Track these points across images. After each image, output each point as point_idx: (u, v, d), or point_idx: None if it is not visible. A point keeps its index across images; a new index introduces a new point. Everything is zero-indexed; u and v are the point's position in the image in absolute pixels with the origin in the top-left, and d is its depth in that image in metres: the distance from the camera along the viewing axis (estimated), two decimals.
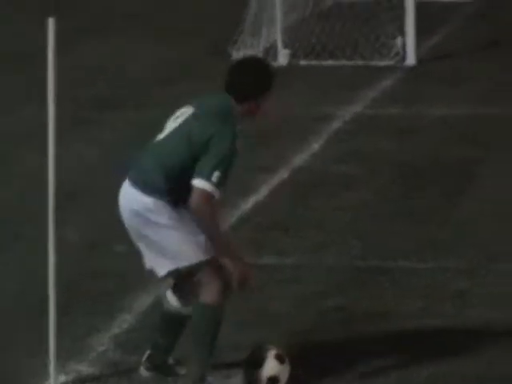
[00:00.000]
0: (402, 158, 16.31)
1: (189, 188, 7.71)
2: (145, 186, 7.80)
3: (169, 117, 8.19)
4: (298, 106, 18.90)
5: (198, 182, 7.54)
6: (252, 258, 10.95)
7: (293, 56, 21.90)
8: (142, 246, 8.07)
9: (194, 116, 7.86)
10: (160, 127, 8.61)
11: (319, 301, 10.73)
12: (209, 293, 7.93)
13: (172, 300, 8.29)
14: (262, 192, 14.73)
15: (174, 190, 7.80)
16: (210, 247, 7.84)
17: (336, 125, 17.83)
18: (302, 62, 21.76)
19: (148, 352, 8.40)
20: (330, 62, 21.37)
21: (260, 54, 21.65)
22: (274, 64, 21.06)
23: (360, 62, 21.43)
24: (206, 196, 7.53)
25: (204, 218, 7.67)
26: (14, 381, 9.20)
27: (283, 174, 15.38)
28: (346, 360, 8.70)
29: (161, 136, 8.09)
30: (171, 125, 8.10)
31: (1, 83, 19.19)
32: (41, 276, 9.36)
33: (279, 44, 22.23)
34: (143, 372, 8.49)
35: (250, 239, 12.58)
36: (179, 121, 8.03)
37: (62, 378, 8.95)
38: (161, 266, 7.96)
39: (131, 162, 8.42)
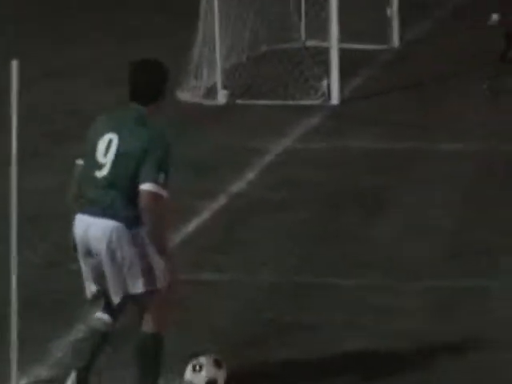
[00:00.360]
0: (329, 186, 16.42)
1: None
2: (110, 213, 7.97)
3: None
4: (235, 139, 18.85)
5: (146, 186, 7.71)
6: (193, 274, 11.83)
7: (230, 96, 21.75)
8: (100, 271, 8.28)
9: (120, 140, 7.95)
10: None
11: (255, 314, 11.00)
12: (159, 321, 8.14)
13: (103, 319, 8.34)
14: (203, 216, 14.88)
15: (133, 209, 7.98)
16: (162, 277, 8.05)
17: (269, 157, 18.11)
18: (239, 101, 21.61)
19: (75, 374, 8.28)
20: (263, 102, 21.18)
21: (202, 95, 22.09)
22: (214, 103, 21.65)
23: (290, 102, 21.33)
24: (155, 197, 7.74)
25: (153, 218, 7.80)
26: None
27: (222, 200, 15.59)
28: (279, 369, 9.11)
29: (102, 164, 8.10)
30: (104, 156, 8.16)
31: None
32: (1, 292, 9.52)
33: (218, 85, 22.14)
34: None
35: (191, 258, 12.65)
36: (112, 155, 8.10)
37: (23, 381, 9.32)
38: (115, 293, 8.12)
39: (88, 199, 8.32)
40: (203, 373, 8.90)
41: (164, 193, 7.92)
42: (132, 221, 7.95)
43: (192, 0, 24.21)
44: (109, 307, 8.40)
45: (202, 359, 8.95)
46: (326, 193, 16.44)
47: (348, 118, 20.82)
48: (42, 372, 10.20)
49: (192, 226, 14.58)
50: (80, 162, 8.49)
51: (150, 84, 8.38)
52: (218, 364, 8.85)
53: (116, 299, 8.14)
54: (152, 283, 8.06)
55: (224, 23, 22.97)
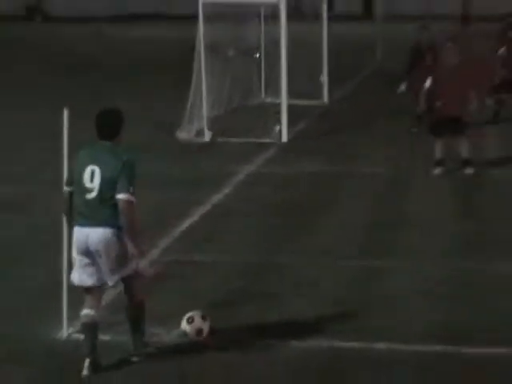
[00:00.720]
0: (281, 198, 18.95)
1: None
2: (100, 222, 9.64)
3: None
4: (216, 165, 21.66)
5: (122, 196, 9.45)
6: (186, 256, 14.68)
7: (213, 135, 24.74)
8: (96, 265, 9.98)
9: (102, 168, 9.63)
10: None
11: (229, 285, 13.34)
12: (141, 294, 10.03)
13: (89, 314, 9.76)
14: (194, 217, 17.27)
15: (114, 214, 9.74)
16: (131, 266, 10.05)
17: (240, 178, 20.74)
18: (219, 139, 24.48)
19: (89, 360, 9.69)
20: (236, 139, 24.17)
21: (194, 134, 24.95)
22: (202, 140, 24.64)
23: (255, 140, 23.81)
24: (130, 202, 9.47)
25: (128, 217, 9.50)
26: (42, 330, 11.64)
27: (207, 207, 18.09)
28: (245, 322, 11.15)
29: (89, 188, 9.68)
30: (93, 179, 9.78)
31: None
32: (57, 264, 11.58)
33: (205, 128, 24.90)
34: (88, 371, 9.78)
35: (186, 246, 15.57)
36: (97, 178, 9.76)
37: (70, 329, 11.20)
38: (111, 278, 9.80)
39: (80, 215, 9.97)
40: (194, 323, 10.87)
41: (134, 199, 9.70)
42: (118, 226, 9.67)
43: (187, 72, 26.21)
44: (91, 302, 9.89)
45: (193, 314, 10.92)
46: (278, 203, 18.74)
47: (293, 151, 23.69)
48: (105, 316, 12.04)
49: (186, 224, 17.12)
50: (67, 188, 10.09)
51: (113, 125, 10.08)
52: (203, 318, 10.78)
53: (112, 281, 9.94)
54: (131, 268, 9.94)
55: (209, 86, 25.56)
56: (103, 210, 9.70)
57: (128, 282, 10.05)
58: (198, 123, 25.97)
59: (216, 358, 10.82)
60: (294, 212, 18.33)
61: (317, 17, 31.99)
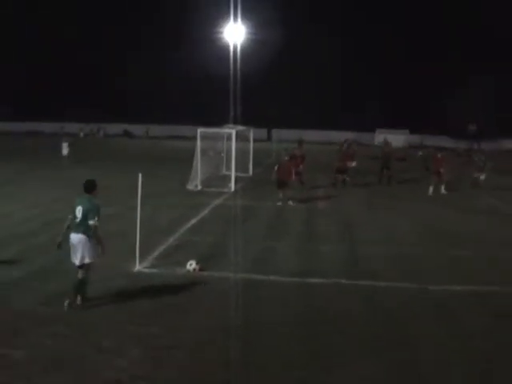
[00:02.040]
0: (230, 214, 21.89)
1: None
2: (81, 232, 11.22)
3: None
4: (203, 199, 24.92)
5: (91, 221, 11.11)
6: (186, 239, 17.45)
7: (202, 187, 28.30)
8: (76, 253, 11.28)
9: (83, 207, 11.27)
10: None
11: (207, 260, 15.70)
12: (87, 272, 11.30)
13: (80, 275, 11.29)
14: (194, 221, 20.31)
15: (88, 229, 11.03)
16: (94, 256, 11.33)
17: (213, 205, 24.03)
18: (205, 189, 28.05)
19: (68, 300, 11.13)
20: (212, 189, 27.86)
21: (193, 187, 28.30)
22: (196, 189, 27.96)
23: (220, 189, 27.58)
24: (95, 225, 11.10)
25: (96, 233, 11.15)
26: (119, 266, 13.95)
27: (198, 218, 21.03)
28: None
29: (77, 217, 11.33)
30: (79, 212, 11.33)
31: None
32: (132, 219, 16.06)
33: (199, 184, 28.47)
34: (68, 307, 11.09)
35: (187, 237, 18.04)
36: (81, 212, 11.30)
37: (140, 266, 13.92)
38: (80, 261, 11.25)
39: (73, 228, 11.43)
40: (193, 265, 13.87)
41: (97, 223, 11.08)
42: (88, 234, 11.19)
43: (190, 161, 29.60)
44: (80, 267, 11.21)
45: (192, 261, 13.93)
46: (228, 216, 21.45)
47: (237, 195, 26.78)
48: (154, 261, 14.84)
49: (189, 224, 19.85)
50: (70, 216, 11.49)
51: (91, 185, 11.70)
52: (197, 262, 13.74)
53: (80, 263, 11.26)
54: (92, 258, 11.40)
55: (201, 167, 29.20)
56: (82, 227, 11.25)
57: (83, 265, 11.33)
58: (195, 182, 28.83)
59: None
60: (235, 219, 20.45)
61: (248, 139, 36.08)
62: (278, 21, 72.84)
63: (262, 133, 73.50)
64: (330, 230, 19.86)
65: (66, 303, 11.01)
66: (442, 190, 29.25)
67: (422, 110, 76.86)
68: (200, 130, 29.12)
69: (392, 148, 34.88)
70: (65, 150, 41.71)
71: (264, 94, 76.89)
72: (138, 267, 13.84)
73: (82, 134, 74.78)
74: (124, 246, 15.36)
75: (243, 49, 52.48)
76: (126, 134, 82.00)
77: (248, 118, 44.36)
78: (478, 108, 70.11)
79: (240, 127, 34.05)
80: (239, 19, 48.58)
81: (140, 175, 13.44)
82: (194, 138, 29.84)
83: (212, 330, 10.29)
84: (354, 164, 31.71)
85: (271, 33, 69.32)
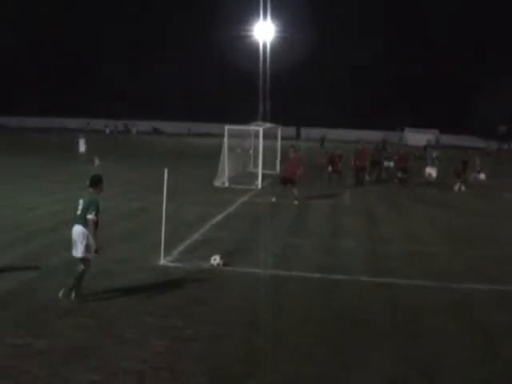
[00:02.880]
0: (258, 211, 22.37)
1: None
2: (81, 225, 11.31)
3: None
4: (229, 197, 25.39)
5: (89, 216, 11.18)
6: (207, 235, 17.67)
7: (229, 184, 28.84)
8: (76, 245, 11.41)
9: (84, 200, 11.44)
10: None
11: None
12: (85, 266, 11.36)
13: (78, 268, 11.38)
14: (219, 217, 20.51)
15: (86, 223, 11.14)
16: (89, 252, 11.28)
17: (240, 202, 24.38)
18: (232, 186, 28.37)
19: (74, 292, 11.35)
20: (239, 186, 28.20)
21: (221, 183, 28.94)
22: (225, 186, 28.52)
23: (247, 187, 27.92)
24: (93, 219, 11.17)
25: (91, 226, 11.15)
26: (144, 259, 14.32)
27: (224, 214, 21.33)
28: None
29: (78, 210, 11.45)
30: (79, 207, 11.49)
31: None
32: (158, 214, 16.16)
33: (226, 181, 29.01)
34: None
35: (210, 231, 18.58)
36: (81, 205, 11.47)
37: (168, 259, 14.22)
38: (78, 254, 11.32)
39: (75, 221, 11.55)
40: (217, 260, 14.02)
41: (95, 218, 11.18)
42: (85, 226, 11.24)
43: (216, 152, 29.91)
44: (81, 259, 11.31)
45: (216, 256, 14.07)
46: (256, 213, 21.83)
47: (263, 192, 26.94)
48: (179, 255, 14.94)
49: (215, 219, 20.14)
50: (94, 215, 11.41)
51: (96, 180, 11.83)
52: (221, 257, 13.91)
53: (78, 256, 11.41)
54: (88, 252, 11.39)
55: (228, 164, 29.66)
56: (81, 219, 11.41)
57: (81, 259, 11.45)
58: (223, 179, 29.40)
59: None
60: (261, 216, 20.79)
61: (276, 137, 36.23)
62: (307, 19, 72.74)
63: (291, 131, 73.66)
64: (353, 228, 19.99)
65: (61, 292, 11.24)
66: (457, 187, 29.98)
67: (452, 110, 76.17)
68: (227, 128, 29.20)
69: (409, 150, 35.55)
70: (82, 147, 41.27)
71: (293, 92, 76.95)
72: (162, 261, 13.94)
73: (107, 131, 75.25)
74: (150, 240, 15.65)
75: (273, 47, 52.26)
76: (156, 131, 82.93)
77: (277, 116, 44.52)
78: (509, 108, 69.58)
79: (268, 125, 34.09)
80: (269, 17, 48.17)
81: (166, 170, 13.51)
82: (222, 135, 29.86)
83: (233, 324, 10.31)
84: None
85: (301, 31, 69.31)
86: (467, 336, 10.36)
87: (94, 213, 11.15)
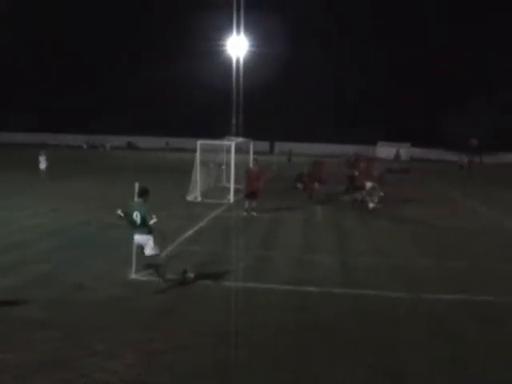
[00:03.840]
0: (228, 224, 22.47)
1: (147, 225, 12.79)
2: (145, 233, 13.05)
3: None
4: (202, 211, 25.33)
5: (152, 222, 12.91)
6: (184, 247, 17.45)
7: (202, 198, 28.70)
8: (145, 248, 13.18)
9: (139, 210, 12.94)
10: None
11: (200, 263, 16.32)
12: (161, 258, 13.18)
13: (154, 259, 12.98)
14: (191, 232, 20.53)
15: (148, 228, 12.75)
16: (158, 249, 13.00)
17: (212, 216, 24.30)
18: (204, 200, 28.35)
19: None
20: (211, 200, 28.11)
21: (192, 198, 28.62)
22: (197, 200, 28.31)
23: (219, 201, 27.98)
24: (155, 222, 12.85)
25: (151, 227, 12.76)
26: (115, 274, 14.37)
27: (196, 228, 21.34)
28: None
29: (136, 220, 13.05)
30: (137, 217, 13.09)
31: None
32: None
33: (198, 195, 28.85)
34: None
35: (185, 242, 18.92)
36: (138, 215, 13.04)
37: (136, 274, 14.21)
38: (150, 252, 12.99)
39: (136, 230, 13.15)
40: (188, 273, 14.04)
41: (156, 220, 12.90)
42: (149, 232, 13.00)
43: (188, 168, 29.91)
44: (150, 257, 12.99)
45: (187, 268, 14.15)
46: (226, 226, 22.02)
47: (235, 206, 27.07)
48: (151, 270, 14.29)
49: (188, 233, 20.24)
50: (120, 213, 13.32)
51: (143, 191, 13.29)
52: (193, 271, 14.11)
53: (152, 253, 13.20)
54: (158, 250, 13.19)
55: (200, 178, 29.53)
56: (142, 226, 13.12)
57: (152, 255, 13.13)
58: (195, 193, 29.26)
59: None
60: (235, 228, 21.43)
61: (248, 151, 35.42)
62: (280, 34, 73.36)
63: (265, 145, 74.05)
64: (324, 241, 20.10)
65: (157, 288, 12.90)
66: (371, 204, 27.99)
67: (424, 123, 77.31)
68: (200, 142, 29.33)
69: (372, 164, 31.69)
70: (42, 164, 38.38)
71: (267, 106, 77.36)
72: (134, 275, 14.05)
73: (85, 146, 75.38)
74: (121, 255, 15.63)
75: (246, 61, 52.55)
76: (130, 145, 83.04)
77: (251, 131, 44.62)
78: (480, 122, 70.95)
79: (240, 139, 34.28)
80: (242, 32, 48.47)
81: (136, 185, 13.56)
82: (195, 150, 29.84)
83: (204, 336, 10.41)
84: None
85: (274, 46, 69.79)
86: (436, 345, 10.56)
87: (153, 216, 12.83)
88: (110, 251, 16.67)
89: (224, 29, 53.13)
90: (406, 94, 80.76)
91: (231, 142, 30.41)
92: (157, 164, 54.38)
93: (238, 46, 49.14)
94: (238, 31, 47.26)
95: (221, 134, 35.24)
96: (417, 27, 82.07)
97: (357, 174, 30.03)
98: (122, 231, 17.81)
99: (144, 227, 12.85)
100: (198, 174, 28.98)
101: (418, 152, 79.50)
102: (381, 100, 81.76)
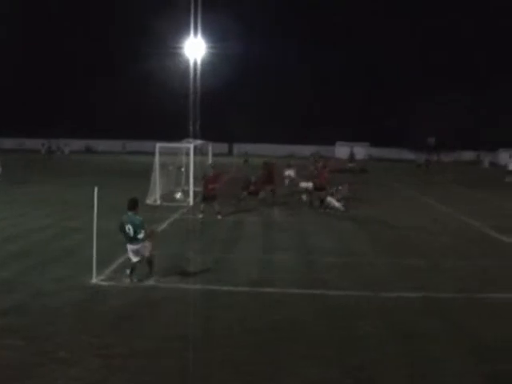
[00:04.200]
0: (188, 226, 22.65)
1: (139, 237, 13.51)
2: (137, 244, 13.76)
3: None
4: (162, 214, 25.24)
5: (141, 236, 13.67)
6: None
7: (161, 202, 28.85)
8: (137, 254, 13.88)
9: (132, 224, 13.66)
10: None
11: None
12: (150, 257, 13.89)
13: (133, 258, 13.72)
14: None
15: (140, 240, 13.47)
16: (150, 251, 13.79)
17: (172, 219, 24.56)
18: (163, 203, 28.72)
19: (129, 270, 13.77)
20: (171, 203, 28.36)
21: (152, 201, 28.83)
22: (156, 204, 28.43)
23: (178, 204, 28.31)
24: (147, 234, 13.79)
25: (152, 236, 14.06)
26: (76, 279, 14.37)
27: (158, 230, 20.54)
28: None
29: (129, 233, 13.80)
30: (129, 230, 13.82)
31: None
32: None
33: (158, 198, 28.97)
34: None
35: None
36: (131, 228, 13.77)
37: (97, 278, 14.27)
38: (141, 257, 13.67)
39: (126, 240, 13.83)
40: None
41: (147, 231, 13.80)
42: (142, 242, 13.68)
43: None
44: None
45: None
46: (186, 228, 22.25)
47: (194, 209, 26.79)
48: (111, 274, 15.04)
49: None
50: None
51: (133, 204, 13.98)
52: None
53: (146, 255, 13.98)
54: (149, 252, 13.95)
55: (160, 181, 29.67)
56: (134, 239, 13.83)
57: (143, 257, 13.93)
58: (154, 196, 29.51)
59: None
60: (195, 231, 21.36)
61: (207, 153, 36.28)
62: (238, 35, 73.49)
63: (224, 147, 74.21)
64: (285, 241, 20.29)
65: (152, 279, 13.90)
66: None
67: (382, 123, 78.29)
68: (158, 145, 29.39)
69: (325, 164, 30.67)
70: None
71: (225, 108, 77.40)
72: (94, 280, 14.06)
73: (43, 151, 74.53)
74: (82, 259, 15.71)
75: (204, 63, 52.48)
76: (89, 149, 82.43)
77: (210, 133, 44.55)
78: (438, 120, 72.28)
79: (199, 141, 34.29)
80: (199, 34, 48.40)
81: (96, 189, 13.59)
82: (153, 152, 29.98)
83: (166, 340, 10.45)
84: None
85: (232, 47, 69.82)
86: (398, 342, 10.81)
87: (143, 231, 13.69)
88: (71, 256, 16.68)
89: (182, 31, 52.93)
90: (364, 94, 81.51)
91: (190, 145, 30.49)
92: (115, 167, 53.98)
93: (195, 47, 48.86)
94: (196, 33, 47.00)
95: (179, 136, 35.09)
96: (374, 24, 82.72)
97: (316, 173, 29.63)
98: (82, 236, 18.44)
99: (136, 238, 13.70)
100: (157, 176, 29.01)
101: (377, 151, 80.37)
102: (339, 100, 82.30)
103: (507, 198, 35.81)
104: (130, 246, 13.75)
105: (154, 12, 74.41)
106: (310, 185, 29.04)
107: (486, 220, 25.56)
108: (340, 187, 28.96)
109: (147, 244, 13.85)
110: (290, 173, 35.08)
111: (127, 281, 13.70)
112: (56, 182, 38.90)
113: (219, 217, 24.94)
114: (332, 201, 27.84)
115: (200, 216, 24.83)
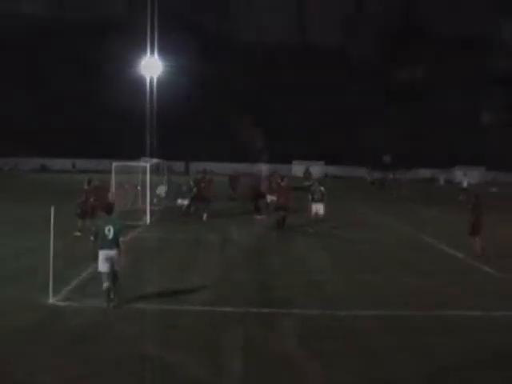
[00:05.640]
0: (143, 245, 22.68)
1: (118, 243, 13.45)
2: (114, 247, 13.57)
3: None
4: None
5: (121, 239, 13.64)
6: None
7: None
8: (108, 263, 13.62)
9: (113, 225, 13.58)
10: None
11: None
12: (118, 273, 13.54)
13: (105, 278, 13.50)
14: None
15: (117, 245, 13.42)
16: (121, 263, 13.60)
17: (130, 236, 23.52)
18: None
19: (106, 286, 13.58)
20: (128, 222, 23.58)
21: None
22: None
23: (136, 222, 27.35)
24: (122, 241, 13.51)
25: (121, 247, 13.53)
26: (32, 299, 14.17)
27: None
28: None
29: (108, 235, 13.59)
30: (109, 231, 13.63)
31: None
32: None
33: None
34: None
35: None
36: (111, 230, 13.62)
37: (54, 299, 14.06)
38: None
39: (103, 244, 13.51)
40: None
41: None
42: (117, 247, 13.57)
43: None
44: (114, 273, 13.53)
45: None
46: (141, 246, 22.28)
47: (152, 227, 27.21)
48: (68, 294, 14.83)
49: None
50: (93, 229, 14.00)
51: (111, 208, 14.26)
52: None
53: (116, 269, 13.72)
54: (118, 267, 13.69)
55: (116, 195, 27.93)
56: (113, 243, 13.71)
57: (113, 267, 13.64)
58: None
59: None
60: (149, 252, 21.30)
61: (163, 173, 36.05)
62: (195, 53, 73.83)
63: (180, 166, 74.21)
64: (242, 260, 20.37)
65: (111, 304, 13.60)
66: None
67: (338, 141, 79.36)
68: (115, 164, 29.43)
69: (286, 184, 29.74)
70: None
71: (182, 126, 77.48)
72: (51, 300, 13.94)
73: (6, 168, 73.67)
74: (38, 279, 15.47)
75: (161, 81, 52.47)
76: (43, 168, 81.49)
77: (166, 151, 44.44)
78: (393, 138, 73.57)
79: (155, 160, 34.28)
80: (156, 52, 48.39)
81: (52, 208, 13.61)
82: (107, 171, 30.00)
83: (123, 360, 10.47)
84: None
85: (189, 65, 70.01)
86: (355, 360, 10.95)
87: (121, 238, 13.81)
88: (27, 276, 16.45)
89: (138, 50, 52.81)
90: (321, 112, 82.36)
91: (146, 164, 30.44)
92: (68, 186, 53.18)
93: (151, 66, 48.90)
94: (152, 52, 46.97)
95: (136, 155, 35.17)
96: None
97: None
98: (38, 255, 17.76)
99: (114, 242, 13.56)
100: (113, 195, 28.54)
101: (332, 170, 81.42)
102: (293, 117, 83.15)
103: (460, 215, 35.98)
104: (104, 252, 13.57)
105: (110, 32, 74.06)
106: (274, 198, 29.36)
107: (441, 237, 26.02)
108: None
109: (119, 255, 13.77)
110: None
111: (104, 305, 13.63)
112: (11, 201, 38.21)
113: (78, 233, 24.33)
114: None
115: (77, 233, 24.30)
